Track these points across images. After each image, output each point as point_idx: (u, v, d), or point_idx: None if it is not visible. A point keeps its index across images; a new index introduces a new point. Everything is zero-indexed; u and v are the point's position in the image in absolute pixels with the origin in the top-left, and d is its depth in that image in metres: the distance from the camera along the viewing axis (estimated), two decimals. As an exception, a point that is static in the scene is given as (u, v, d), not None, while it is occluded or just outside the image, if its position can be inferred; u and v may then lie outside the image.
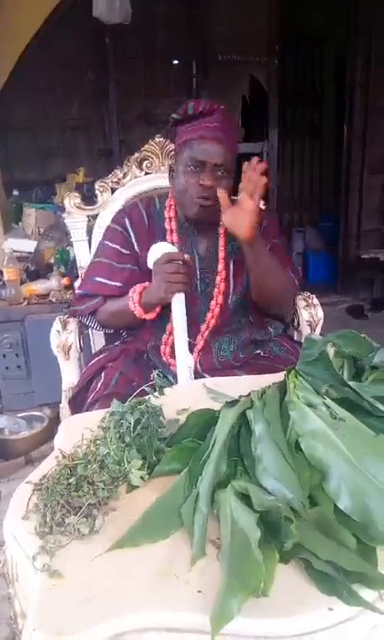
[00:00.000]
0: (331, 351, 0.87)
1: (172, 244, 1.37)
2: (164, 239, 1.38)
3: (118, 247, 1.41)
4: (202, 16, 4.03)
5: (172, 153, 1.56)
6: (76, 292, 1.51)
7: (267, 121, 4.28)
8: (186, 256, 1.26)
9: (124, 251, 1.41)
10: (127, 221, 1.42)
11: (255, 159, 1.22)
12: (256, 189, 1.20)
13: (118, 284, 1.38)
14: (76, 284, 1.68)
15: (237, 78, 4.75)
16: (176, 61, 4.19)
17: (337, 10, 4.04)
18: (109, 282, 1.39)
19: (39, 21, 3.18)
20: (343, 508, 0.63)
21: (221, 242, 1.39)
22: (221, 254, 1.39)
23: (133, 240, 1.41)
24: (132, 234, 1.41)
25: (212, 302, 1.38)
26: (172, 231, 1.39)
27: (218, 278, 1.38)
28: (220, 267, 1.38)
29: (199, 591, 0.60)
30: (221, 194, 1.24)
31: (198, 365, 1.34)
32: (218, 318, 1.38)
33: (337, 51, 4.43)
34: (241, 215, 1.22)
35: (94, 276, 1.42)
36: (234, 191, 1.33)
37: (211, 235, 1.40)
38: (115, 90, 3.94)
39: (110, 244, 1.43)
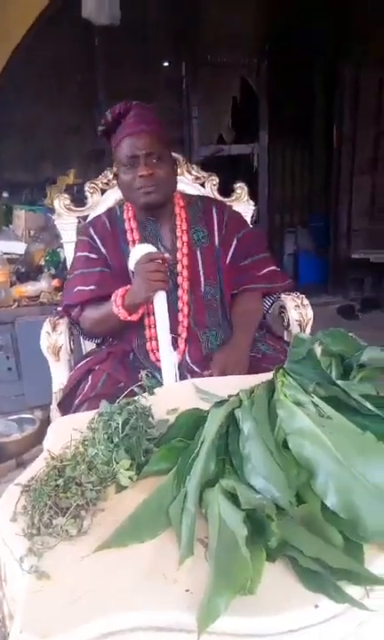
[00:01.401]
0: (319, 350, 0.87)
1: (134, 241, 1.43)
2: (126, 239, 1.45)
3: (86, 254, 1.47)
4: (191, 17, 4.04)
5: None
6: (60, 306, 1.55)
7: (257, 122, 4.29)
8: (165, 255, 1.31)
9: (91, 255, 1.46)
10: (91, 230, 1.49)
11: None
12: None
13: (92, 287, 1.42)
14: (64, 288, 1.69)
15: (227, 80, 4.76)
16: (166, 63, 4.19)
17: (328, 11, 4.06)
18: (84, 287, 1.43)
19: (28, 23, 3.17)
20: (330, 506, 0.63)
21: (178, 231, 1.45)
22: (179, 244, 1.44)
23: (99, 244, 1.47)
24: (97, 239, 1.47)
25: (179, 290, 1.41)
26: (132, 230, 1.46)
27: (179, 266, 1.42)
28: (180, 255, 1.43)
29: (187, 590, 0.60)
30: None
31: (187, 357, 1.35)
32: (189, 306, 1.41)
33: (327, 52, 4.44)
34: (230, 365, 1.30)
35: (72, 289, 1.46)
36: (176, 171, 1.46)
37: (171, 226, 1.46)
38: (104, 91, 3.94)
39: (80, 254, 1.49)
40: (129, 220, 1.47)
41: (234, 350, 1.34)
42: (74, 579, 0.64)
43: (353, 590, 0.57)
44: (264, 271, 1.52)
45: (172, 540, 0.67)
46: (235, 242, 1.49)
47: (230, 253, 1.48)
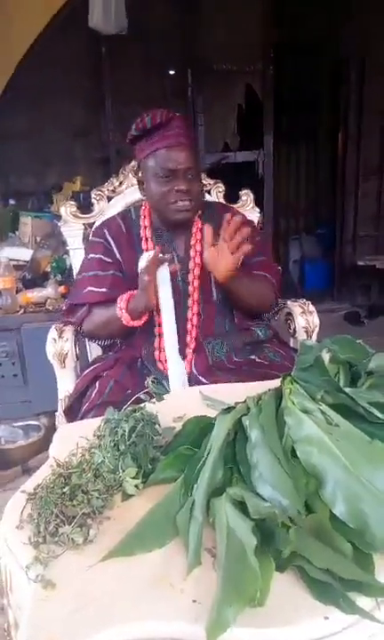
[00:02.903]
0: (326, 357, 0.87)
1: (148, 251, 1.41)
2: (140, 246, 1.44)
3: (101, 256, 1.45)
4: (197, 26, 4.06)
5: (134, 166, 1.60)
6: (65, 304, 1.53)
7: (262, 129, 4.30)
8: (167, 256, 1.31)
9: (106, 259, 1.45)
10: (106, 232, 1.48)
11: (230, 217, 1.29)
12: (237, 247, 1.27)
13: (104, 289, 1.41)
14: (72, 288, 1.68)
15: (232, 87, 4.78)
16: (171, 71, 4.21)
17: (332, 16, 4.07)
18: (96, 289, 1.42)
19: (36, 32, 3.20)
20: (339, 515, 0.62)
21: (192, 240, 1.45)
22: (192, 253, 1.44)
23: (114, 249, 1.46)
24: (112, 243, 1.46)
25: (189, 300, 1.41)
26: (147, 239, 1.45)
27: (190, 276, 1.42)
28: (192, 264, 1.43)
29: (194, 600, 0.60)
30: (207, 229, 1.30)
31: (193, 368, 1.34)
32: (199, 316, 1.41)
33: (332, 57, 4.46)
34: (220, 259, 1.28)
35: (81, 289, 1.45)
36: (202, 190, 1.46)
37: (185, 235, 1.46)
38: (111, 99, 3.96)
39: (93, 256, 1.47)
40: (145, 227, 1.46)
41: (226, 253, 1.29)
42: (80, 588, 0.64)
43: (363, 602, 0.56)
44: (274, 268, 1.54)
45: (179, 550, 0.67)
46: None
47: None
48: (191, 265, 1.43)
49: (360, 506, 0.61)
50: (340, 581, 0.57)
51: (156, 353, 1.38)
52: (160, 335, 1.36)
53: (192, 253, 1.44)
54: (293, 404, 0.76)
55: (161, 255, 1.32)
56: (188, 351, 1.38)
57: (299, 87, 4.72)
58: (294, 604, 0.58)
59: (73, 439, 0.89)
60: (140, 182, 1.45)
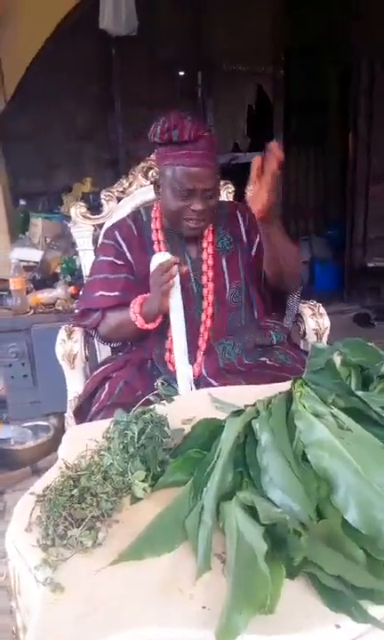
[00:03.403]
0: (337, 360, 0.86)
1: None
2: (152, 249, 1.43)
3: (112, 259, 1.44)
4: (207, 27, 4.06)
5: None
6: (77, 309, 1.52)
7: (272, 130, 4.29)
8: (176, 258, 1.29)
9: (117, 261, 1.44)
10: (117, 234, 1.47)
11: (275, 145, 1.23)
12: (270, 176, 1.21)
13: (116, 293, 1.40)
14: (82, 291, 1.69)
15: (242, 88, 4.77)
16: (181, 72, 4.22)
17: (341, 18, 4.06)
18: (108, 293, 1.41)
19: (46, 34, 3.21)
20: (351, 521, 0.61)
21: (204, 243, 1.45)
22: (205, 255, 1.44)
23: (126, 250, 1.45)
24: (123, 245, 1.45)
25: (204, 302, 1.41)
26: (159, 242, 1.44)
27: (204, 278, 1.42)
28: (205, 267, 1.43)
29: (204, 607, 0.59)
30: (255, 162, 1.22)
31: (203, 370, 1.34)
32: (212, 318, 1.40)
33: (342, 59, 4.44)
34: (260, 194, 1.23)
35: (93, 292, 1.44)
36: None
37: (197, 238, 1.45)
38: (120, 100, 3.97)
39: (104, 258, 1.46)
40: (157, 230, 1.46)
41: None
42: (88, 591, 0.63)
43: (376, 610, 0.55)
44: None
45: (188, 554, 0.66)
46: (258, 238, 1.46)
47: (255, 246, 1.47)
48: (204, 267, 1.43)
49: (372, 512, 0.60)
50: (351, 589, 0.56)
51: (167, 354, 1.37)
52: (171, 338, 1.36)
53: (204, 256, 1.44)
54: (304, 407, 0.75)
55: (172, 257, 1.31)
56: (200, 353, 1.37)
57: (309, 89, 4.71)
58: (305, 612, 0.57)
59: (82, 441, 0.88)
60: (157, 185, 1.42)
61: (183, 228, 1.39)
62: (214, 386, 1.29)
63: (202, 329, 1.39)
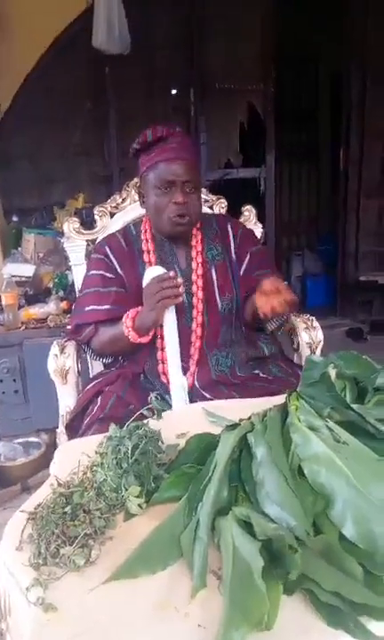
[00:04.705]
0: (332, 373, 0.85)
1: (151, 263, 1.43)
2: (142, 260, 1.44)
3: (102, 272, 1.45)
4: (199, 46, 4.13)
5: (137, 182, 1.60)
6: (70, 324, 1.52)
7: (264, 146, 4.34)
8: (171, 273, 1.29)
9: (107, 274, 1.45)
10: (107, 249, 1.48)
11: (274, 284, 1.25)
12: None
13: (107, 306, 1.40)
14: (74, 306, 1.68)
15: (234, 105, 4.83)
16: (174, 90, 4.27)
17: (332, 32, 4.13)
18: (98, 307, 1.41)
19: (39, 52, 3.25)
20: (348, 536, 0.60)
21: (194, 253, 1.46)
22: (194, 265, 1.45)
23: (116, 264, 1.46)
24: (113, 259, 1.46)
25: (194, 311, 1.41)
26: (149, 251, 1.46)
27: (194, 287, 1.43)
28: (194, 276, 1.44)
29: (200, 625, 0.58)
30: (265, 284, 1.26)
31: (196, 382, 1.33)
32: (203, 326, 1.41)
33: (333, 73, 4.52)
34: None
35: (84, 307, 1.44)
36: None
37: (187, 248, 1.47)
38: (114, 117, 4.01)
39: (94, 272, 1.47)
40: (146, 240, 1.47)
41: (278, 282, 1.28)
42: (81, 611, 0.62)
43: (375, 626, 0.54)
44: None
45: (183, 571, 0.65)
46: (248, 255, 1.50)
47: (244, 266, 1.49)
48: (194, 277, 1.43)
49: (370, 526, 0.59)
50: (350, 605, 0.55)
51: (159, 366, 1.37)
52: (163, 348, 1.35)
53: (194, 265, 1.45)
54: (300, 420, 0.74)
55: (164, 271, 1.31)
56: (192, 363, 1.37)
57: (300, 104, 4.78)
58: (303, 629, 0.56)
59: (74, 457, 0.87)
60: (141, 195, 1.47)
61: (168, 227, 1.39)
62: (207, 398, 1.29)
63: (193, 338, 1.39)
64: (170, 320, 1.30)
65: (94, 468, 0.82)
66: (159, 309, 1.27)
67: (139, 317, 1.31)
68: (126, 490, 0.78)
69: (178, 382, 1.29)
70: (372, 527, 0.60)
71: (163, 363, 1.36)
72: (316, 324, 1.58)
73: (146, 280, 1.32)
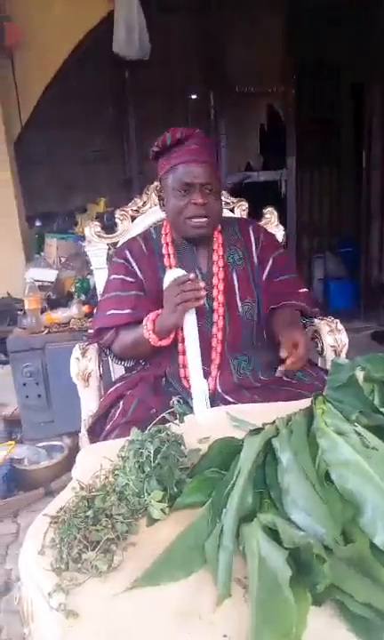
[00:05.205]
0: (359, 376, 0.83)
1: (171, 267, 1.42)
2: (163, 264, 1.44)
3: (122, 276, 1.45)
4: (218, 49, 4.13)
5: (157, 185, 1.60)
6: (91, 329, 1.53)
7: (285, 149, 4.32)
8: (191, 275, 1.28)
9: (128, 279, 1.45)
10: (127, 253, 1.48)
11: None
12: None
13: (128, 310, 1.40)
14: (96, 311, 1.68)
15: (255, 108, 4.82)
16: (194, 95, 4.28)
17: (353, 38, 4.09)
18: (119, 311, 1.41)
19: (61, 59, 3.29)
20: (380, 545, 0.58)
21: (215, 256, 1.45)
22: (215, 269, 1.43)
23: (136, 268, 1.46)
24: (133, 263, 1.46)
25: (214, 315, 1.40)
26: (169, 255, 1.45)
27: (215, 291, 1.41)
28: (215, 280, 1.42)
29: (225, 635, 0.56)
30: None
31: (218, 386, 1.32)
32: (224, 330, 1.39)
33: (354, 77, 4.47)
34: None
35: (105, 311, 1.45)
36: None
37: (208, 251, 1.46)
38: (134, 122, 4.03)
39: (115, 277, 1.48)
40: (167, 244, 1.46)
41: (299, 331, 1.33)
42: (104, 618, 0.60)
43: (409, 641, 0.52)
44: (301, 291, 1.51)
45: (207, 579, 0.63)
46: (271, 260, 1.48)
47: (267, 270, 1.48)
48: (215, 281, 1.42)
49: (402, 535, 0.57)
50: (382, 617, 0.52)
51: (181, 370, 1.36)
52: (184, 352, 1.34)
53: (215, 269, 1.43)
54: (327, 425, 0.72)
55: (184, 273, 1.30)
56: (213, 367, 1.36)
57: (321, 108, 4.74)
58: (333, 642, 0.54)
59: (96, 460, 0.86)
60: (161, 199, 1.47)
61: (187, 230, 1.39)
62: (229, 402, 1.27)
63: (214, 342, 1.38)
64: (190, 323, 1.28)
65: (116, 472, 0.81)
66: (179, 312, 1.25)
67: (159, 320, 1.30)
68: (149, 494, 0.76)
69: (199, 386, 1.27)
70: (405, 536, 0.58)
71: (184, 367, 1.35)
72: (340, 326, 1.55)
73: (166, 282, 1.31)
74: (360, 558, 0.56)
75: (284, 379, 1.36)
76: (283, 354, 1.26)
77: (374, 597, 0.53)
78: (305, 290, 1.53)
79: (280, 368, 1.28)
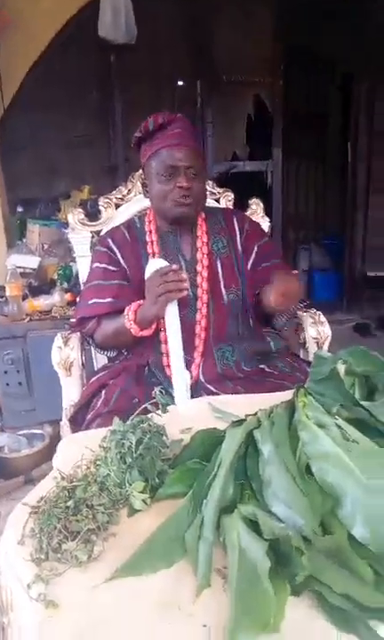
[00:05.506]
0: (341, 369, 0.84)
1: (154, 254, 1.42)
2: (146, 252, 1.43)
3: (105, 265, 1.44)
4: (206, 36, 4.09)
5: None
6: (73, 318, 1.52)
7: (271, 140, 4.30)
8: (174, 266, 1.28)
9: (110, 267, 1.44)
10: (110, 241, 1.47)
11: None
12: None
13: (109, 299, 1.39)
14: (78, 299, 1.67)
15: (242, 97, 4.79)
16: (181, 81, 4.23)
17: (343, 31, 4.07)
18: (101, 300, 1.40)
19: (45, 42, 3.22)
20: (358, 537, 0.59)
21: (199, 243, 1.44)
22: (199, 255, 1.43)
23: (119, 257, 1.45)
24: (116, 251, 1.45)
25: (198, 302, 1.39)
26: (152, 242, 1.45)
27: (198, 279, 1.41)
28: (199, 267, 1.42)
29: (204, 625, 0.56)
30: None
31: (200, 376, 1.32)
32: (208, 319, 1.39)
33: (343, 70, 4.46)
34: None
35: (87, 300, 1.44)
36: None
37: (191, 239, 1.45)
38: (119, 108, 3.97)
39: (98, 265, 1.46)
40: (150, 232, 1.46)
41: (291, 278, 1.31)
42: (84, 609, 0.61)
43: (385, 630, 0.53)
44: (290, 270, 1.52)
45: (188, 570, 0.64)
46: (256, 248, 1.48)
47: (252, 259, 1.47)
48: (199, 268, 1.42)
49: (381, 528, 0.58)
50: (359, 608, 0.53)
51: (164, 358, 1.35)
52: (167, 341, 1.34)
53: (199, 256, 1.43)
54: (308, 417, 0.73)
55: (167, 264, 1.30)
56: (196, 355, 1.36)
57: (309, 99, 4.72)
58: (311, 631, 0.55)
59: (78, 450, 0.86)
60: (144, 186, 1.46)
61: (171, 210, 1.38)
62: (212, 392, 1.27)
63: (197, 329, 1.38)
64: (172, 314, 1.28)
65: (98, 462, 0.81)
66: (161, 303, 1.25)
67: (140, 310, 1.30)
68: (130, 485, 0.76)
69: (180, 377, 1.27)
70: (383, 528, 0.58)
71: (167, 355, 1.35)
72: (323, 318, 1.56)
73: (148, 273, 1.30)
74: (338, 550, 0.57)
75: (267, 370, 1.37)
76: (273, 294, 1.26)
77: (351, 589, 0.54)
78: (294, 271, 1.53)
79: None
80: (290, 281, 1.29)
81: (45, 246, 2.93)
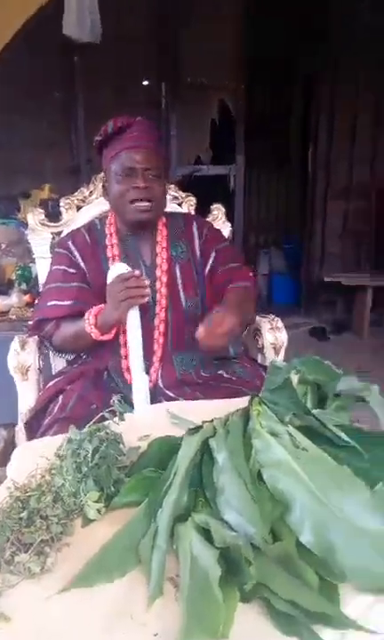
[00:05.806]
0: (294, 378, 0.86)
1: (114, 257, 1.42)
2: (106, 255, 1.43)
3: (64, 267, 1.44)
4: (172, 38, 4.09)
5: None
6: (32, 319, 1.50)
7: (234, 145, 4.35)
8: (136, 272, 1.28)
9: (70, 270, 1.43)
10: (70, 244, 1.47)
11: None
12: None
13: (69, 302, 1.38)
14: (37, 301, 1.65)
15: (207, 101, 4.82)
16: (145, 82, 4.22)
17: (306, 37, 4.15)
18: (60, 302, 1.40)
19: (5, 40, 3.15)
20: (305, 543, 0.61)
21: (158, 248, 1.45)
22: (159, 260, 1.44)
23: (79, 259, 1.44)
24: (76, 253, 1.45)
25: (157, 307, 1.40)
26: (113, 245, 1.44)
27: (158, 284, 1.42)
28: (159, 272, 1.43)
29: (156, 634, 0.57)
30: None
31: (159, 381, 1.32)
32: (167, 324, 1.40)
33: (305, 77, 4.54)
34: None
35: (46, 302, 1.43)
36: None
37: (151, 243, 1.46)
38: (83, 108, 3.94)
39: (57, 267, 1.46)
40: (111, 235, 1.46)
41: (224, 317, 1.22)
42: (36, 621, 0.60)
43: (328, 634, 0.55)
44: (248, 275, 1.53)
45: (141, 579, 0.64)
46: (214, 253, 1.49)
47: (210, 264, 1.48)
48: (158, 273, 1.42)
49: (327, 534, 0.60)
50: (305, 613, 0.55)
51: (123, 362, 1.35)
52: (126, 344, 1.34)
53: (159, 261, 1.44)
54: (261, 426, 0.75)
55: (129, 269, 1.30)
56: (155, 359, 1.36)
57: (271, 106, 4.80)
58: (259, 637, 0.56)
59: (33, 459, 0.85)
60: (104, 188, 1.47)
61: (131, 215, 1.38)
62: (170, 397, 1.28)
63: (156, 334, 1.39)
64: (133, 318, 1.28)
65: (53, 471, 0.80)
66: (123, 308, 1.25)
67: (101, 315, 1.30)
68: (85, 495, 0.76)
69: (140, 382, 1.27)
70: (329, 534, 0.60)
71: (126, 359, 1.35)
72: (280, 324, 1.59)
73: (110, 278, 1.30)
74: (286, 556, 0.59)
75: (225, 376, 1.38)
76: (202, 326, 1.20)
77: (298, 595, 0.55)
78: (251, 275, 1.54)
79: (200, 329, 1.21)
80: (220, 320, 1.22)
81: (3, 246, 2.88)
